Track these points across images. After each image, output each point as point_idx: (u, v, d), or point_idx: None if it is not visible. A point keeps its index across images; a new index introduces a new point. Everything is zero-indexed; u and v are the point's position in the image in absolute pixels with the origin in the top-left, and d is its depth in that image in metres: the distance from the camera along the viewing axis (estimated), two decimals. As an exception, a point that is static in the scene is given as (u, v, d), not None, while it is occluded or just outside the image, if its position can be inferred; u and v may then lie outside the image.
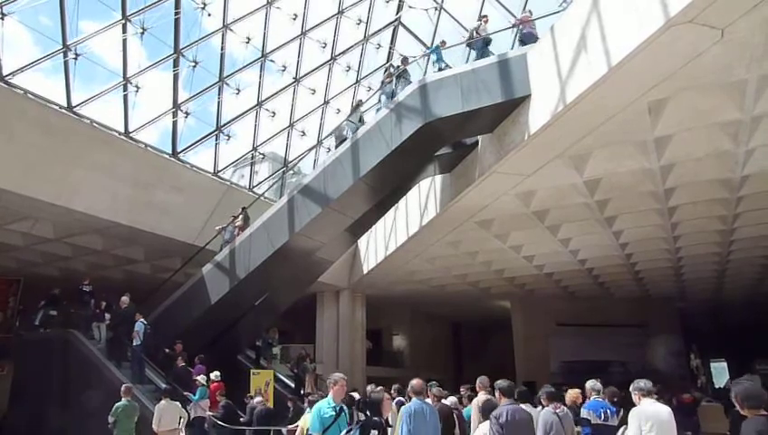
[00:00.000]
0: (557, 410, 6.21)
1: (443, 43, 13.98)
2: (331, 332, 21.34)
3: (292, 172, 20.95)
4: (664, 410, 5.32)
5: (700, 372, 30.10)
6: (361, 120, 13.48)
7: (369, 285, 21.12)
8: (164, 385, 11.89)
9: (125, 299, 13.34)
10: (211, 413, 11.28)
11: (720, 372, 32.34)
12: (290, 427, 10.65)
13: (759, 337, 25.28)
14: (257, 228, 13.18)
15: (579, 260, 18.55)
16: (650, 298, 24.82)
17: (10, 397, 14.14)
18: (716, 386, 29.49)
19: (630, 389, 5.67)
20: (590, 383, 7.39)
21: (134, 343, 12.41)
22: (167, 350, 12.98)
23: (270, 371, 14.49)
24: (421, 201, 15.35)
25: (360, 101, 15.55)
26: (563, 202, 13.65)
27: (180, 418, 9.99)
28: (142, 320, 12.66)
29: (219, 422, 10.94)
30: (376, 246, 18.74)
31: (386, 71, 14.27)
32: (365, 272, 19.78)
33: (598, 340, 24.51)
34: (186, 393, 11.53)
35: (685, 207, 13.60)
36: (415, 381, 6.15)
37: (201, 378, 11.85)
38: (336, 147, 12.66)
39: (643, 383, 5.51)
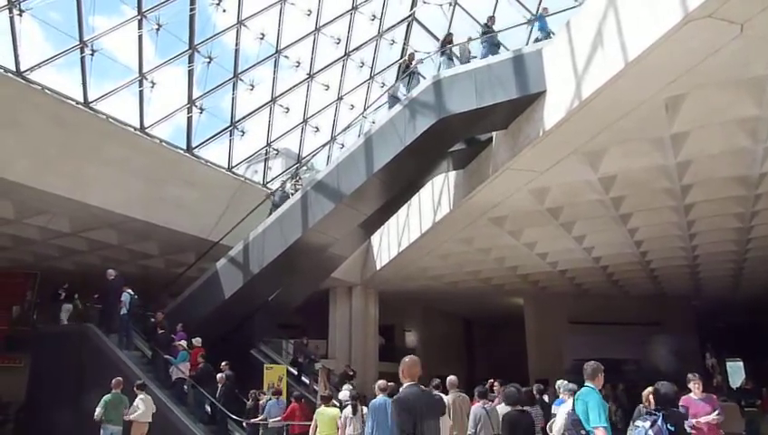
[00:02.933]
0: (485, 406, 7.23)
1: (545, 9, 12.86)
2: (344, 327, 21.40)
3: (305, 168, 20.99)
4: None
5: (716, 372, 29.80)
6: (417, 77, 12.83)
7: (382, 282, 21.14)
8: (149, 351, 13.13)
9: (111, 271, 13.74)
10: (188, 375, 12.04)
11: (736, 371, 32.01)
12: (253, 421, 10.96)
13: (776, 336, 25.01)
14: (271, 224, 13.23)
15: (593, 257, 18.43)
16: (665, 296, 24.61)
17: (27, 389, 14.32)
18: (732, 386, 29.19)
19: (561, 389, 7.16)
20: (559, 383, 8.29)
21: (121, 313, 12.99)
22: (152, 319, 13.60)
23: (283, 366, 14.56)
24: (434, 198, 15.33)
25: (413, 54, 14.36)
26: (577, 199, 13.57)
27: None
28: (129, 291, 13.28)
29: (195, 384, 11.78)
30: (389, 242, 18.75)
31: (443, 44, 13.07)
32: (378, 268, 19.81)
33: (611, 338, 24.29)
34: (166, 357, 12.38)
35: (701, 204, 13.45)
36: (381, 382, 7.43)
37: (182, 343, 12.50)
38: (390, 108, 12.43)
39: (571, 386, 6.93)
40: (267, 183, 18.47)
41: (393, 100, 12.78)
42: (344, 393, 12.09)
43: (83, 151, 12.48)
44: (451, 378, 8.67)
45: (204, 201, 15.27)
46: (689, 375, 7.17)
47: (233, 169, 16.89)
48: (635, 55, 7.98)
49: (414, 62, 13.62)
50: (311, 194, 12.71)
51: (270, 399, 10.97)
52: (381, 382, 7.47)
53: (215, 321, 13.52)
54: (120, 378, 10.21)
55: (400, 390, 4.43)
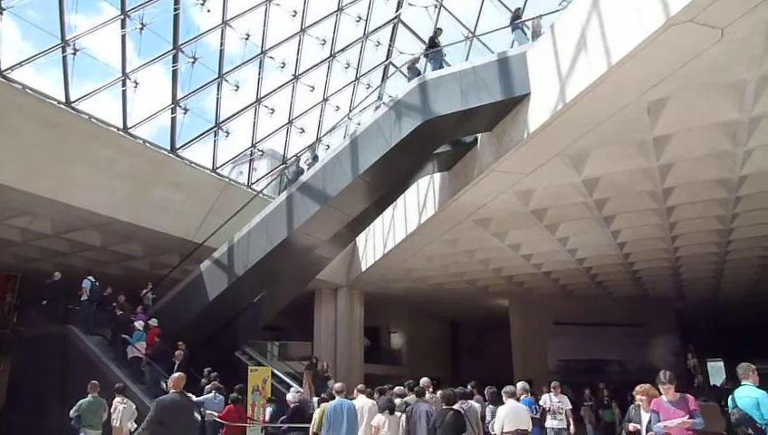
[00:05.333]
0: (463, 405, 7.89)
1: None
2: (329, 329, 21.36)
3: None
4: (521, 408, 7.68)
5: (697, 372, 30.15)
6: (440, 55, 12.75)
7: (367, 283, 21.13)
8: (109, 336, 13.39)
9: (57, 274, 14.21)
10: (144, 353, 12.50)
11: (717, 372, 32.39)
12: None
13: (756, 337, 25.35)
14: (256, 225, 13.16)
15: (577, 259, 18.57)
16: (648, 298, 24.87)
17: (7, 393, 14.13)
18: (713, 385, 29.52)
19: (502, 392, 7.78)
20: (520, 384, 9.01)
21: (82, 299, 13.44)
22: (114, 304, 13.80)
23: (268, 368, 14.47)
24: (420, 199, 15.35)
25: (440, 29, 13.82)
26: (562, 201, 13.67)
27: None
28: (90, 278, 13.67)
29: (151, 362, 12.34)
30: (374, 243, 18.74)
31: (513, 19, 12.62)
32: (363, 269, 19.79)
33: (595, 339, 24.55)
34: (124, 336, 12.77)
35: (683, 206, 13.62)
36: (338, 385, 8.11)
37: (138, 324, 12.78)
38: (409, 80, 12.29)
39: (509, 388, 7.80)
40: (252, 184, 18.38)
41: (414, 71, 12.73)
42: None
43: (67, 152, 12.31)
44: (423, 380, 9.30)
45: (188, 202, 15.15)
46: (660, 373, 6.26)
47: (217, 170, 16.78)
48: (618, 59, 8.06)
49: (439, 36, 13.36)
50: (296, 195, 12.66)
51: (210, 393, 10.46)
52: (338, 385, 8.06)
53: (199, 323, 13.39)
54: (95, 381, 9.96)
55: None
